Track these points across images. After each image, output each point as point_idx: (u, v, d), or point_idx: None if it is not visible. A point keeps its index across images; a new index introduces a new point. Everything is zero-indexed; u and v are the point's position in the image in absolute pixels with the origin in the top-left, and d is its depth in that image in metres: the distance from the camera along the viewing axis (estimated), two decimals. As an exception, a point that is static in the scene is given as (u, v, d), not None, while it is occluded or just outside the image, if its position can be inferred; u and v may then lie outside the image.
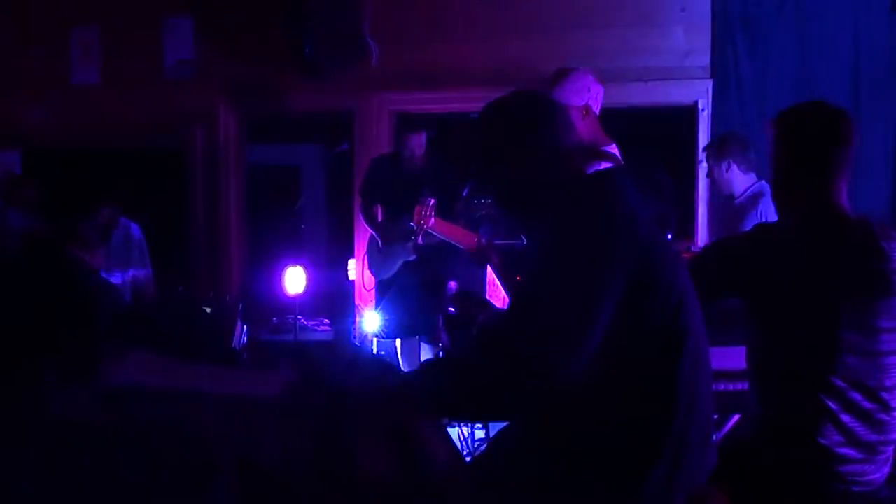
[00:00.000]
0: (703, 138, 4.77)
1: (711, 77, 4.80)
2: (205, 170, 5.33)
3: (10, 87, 5.21)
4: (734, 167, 4.01)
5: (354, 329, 5.06)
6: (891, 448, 2.01)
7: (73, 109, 5.25)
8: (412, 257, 4.39)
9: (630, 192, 1.73)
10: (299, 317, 4.81)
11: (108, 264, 4.63)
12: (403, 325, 4.62)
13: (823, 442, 1.93)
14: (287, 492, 1.27)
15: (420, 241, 3.87)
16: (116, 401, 1.44)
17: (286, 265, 4.76)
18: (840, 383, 1.93)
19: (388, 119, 5.14)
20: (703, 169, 4.65)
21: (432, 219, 3.60)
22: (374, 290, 4.92)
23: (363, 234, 4.96)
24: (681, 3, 4.82)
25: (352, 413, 1.47)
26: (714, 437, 1.84)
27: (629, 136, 2.88)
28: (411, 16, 5.02)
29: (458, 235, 3.49)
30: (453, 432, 3.87)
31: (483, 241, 3.03)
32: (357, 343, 4.87)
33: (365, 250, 4.80)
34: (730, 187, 4.05)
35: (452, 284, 4.52)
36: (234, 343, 3.03)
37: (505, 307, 2.71)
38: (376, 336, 4.73)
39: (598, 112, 2.83)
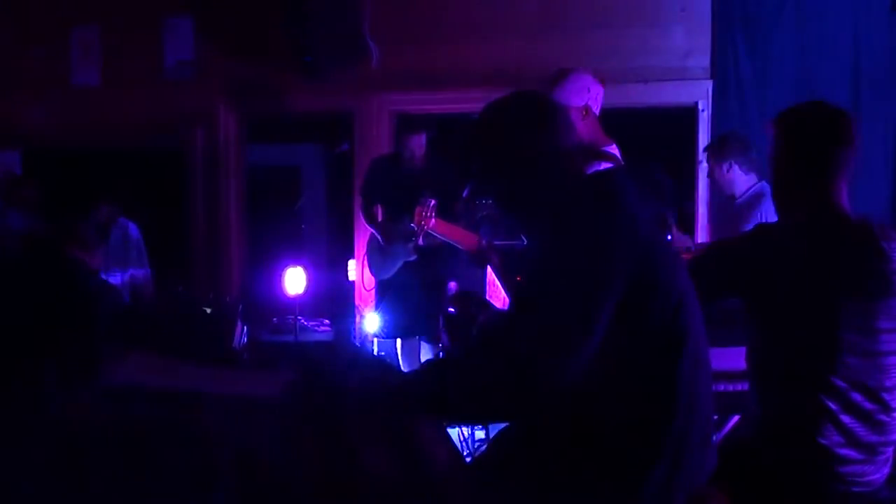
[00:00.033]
0: (703, 139, 4.77)
1: (711, 77, 4.80)
2: (205, 170, 5.33)
3: (10, 87, 5.21)
4: (736, 167, 4.00)
5: (354, 329, 5.06)
6: (891, 449, 2.00)
7: (73, 110, 5.25)
8: (412, 257, 4.39)
9: (630, 192, 1.73)
10: (299, 317, 4.81)
11: (107, 264, 4.64)
12: (403, 326, 4.62)
13: (823, 442, 1.93)
14: (287, 492, 1.27)
15: (420, 241, 3.87)
16: (116, 401, 1.44)
17: (286, 265, 4.76)
18: (840, 384, 1.93)
19: (388, 119, 5.14)
20: (703, 169, 4.65)
21: (433, 220, 3.60)
22: (374, 291, 4.92)
23: (363, 235, 4.96)
24: (681, 3, 4.82)
25: (352, 413, 1.47)
26: (714, 438, 1.84)
27: (629, 137, 2.88)
28: (411, 16, 5.02)
29: (458, 236, 3.49)
30: (453, 432, 3.87)
31: (483, 241, 3.04)
32: (357, 343, 4.87)
33: (365, 250, 4.81)
34: (731, 188, 4.05)
35: (452, 285, 4.52)
36: (234, 343, 3.02)
37: (505, 308, 2.71)
38: (376, 336, 4.74)
39: (598, 112, 2.82)
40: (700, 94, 4.84)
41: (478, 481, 1.70)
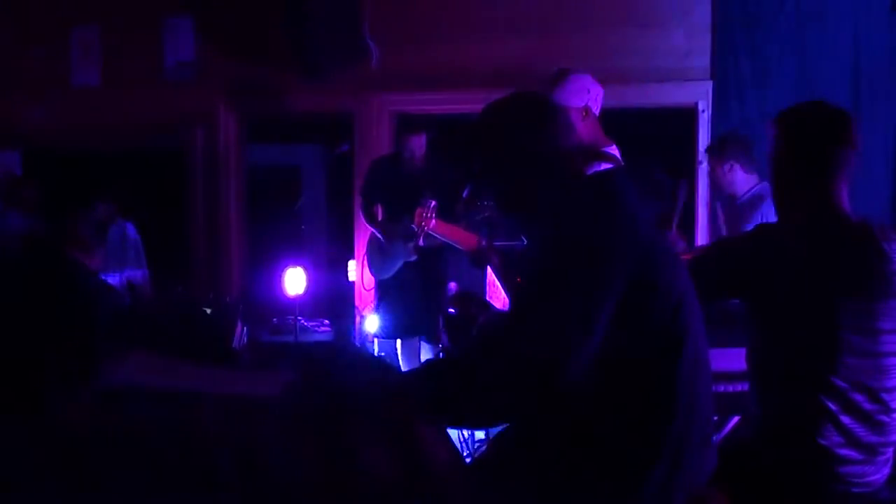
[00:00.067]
0: (704, 139, 4.77)
1: (711, 78, 4.80)
2: (205, 170, 5.33)
3: (10, 87, 5.21)
4: (737, 168, 4.00)
5: (355, 330, 5.06)
6: (891, 449, 2.00)
7: (73, 110, 5.24)
8: (413, 258, 4.39)
9: (630, 192, 1.73)
10: (299, 317, 4.81)
11: (104, 265, 4.64)
12: (403, 326, 4.62)
13: (823, 443, 1.93)
14: (287, 492, 1.27)
15: (421, 242, 3.87)
16: (116, 401, 1.44)
17: (286, 266, 4.76)
18: (840, 384, 1.93)
19: (388, 120, 5.15)
20: (703, 170, 4.65)
21: (433, 220, 3.60)
22: (374, 291, 4.92)
23: (363, 235, 4.96)
24: (681, 3, 4.82)
25: (352, 413, 1.47)
26: (714, 439, 1.84)
27: (629, 137, 2.88)
28: (411, 16, 5.02)
29: (458, 237, 3.49)
30: (453, 432, 3.87)
31: (483, 242, 3.04)
32: (357, 343, 4.87)
33: (365, 251, 4.81)
34: (732, 187, 4.05)
35: (453, 285, 4.53)
36: (234, 344, 3.02)
37: (505, 308, 2.72)
38: (376, 336, 4.73)
39: (597, 113, 2.82)
40: (700, 95, 4.83)
41: (478, 481, 1.70)
